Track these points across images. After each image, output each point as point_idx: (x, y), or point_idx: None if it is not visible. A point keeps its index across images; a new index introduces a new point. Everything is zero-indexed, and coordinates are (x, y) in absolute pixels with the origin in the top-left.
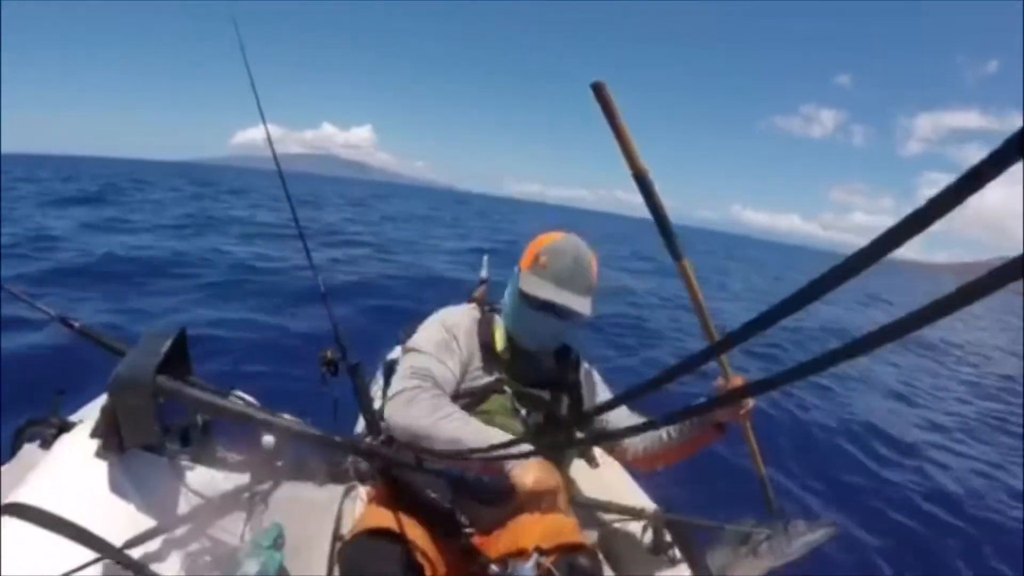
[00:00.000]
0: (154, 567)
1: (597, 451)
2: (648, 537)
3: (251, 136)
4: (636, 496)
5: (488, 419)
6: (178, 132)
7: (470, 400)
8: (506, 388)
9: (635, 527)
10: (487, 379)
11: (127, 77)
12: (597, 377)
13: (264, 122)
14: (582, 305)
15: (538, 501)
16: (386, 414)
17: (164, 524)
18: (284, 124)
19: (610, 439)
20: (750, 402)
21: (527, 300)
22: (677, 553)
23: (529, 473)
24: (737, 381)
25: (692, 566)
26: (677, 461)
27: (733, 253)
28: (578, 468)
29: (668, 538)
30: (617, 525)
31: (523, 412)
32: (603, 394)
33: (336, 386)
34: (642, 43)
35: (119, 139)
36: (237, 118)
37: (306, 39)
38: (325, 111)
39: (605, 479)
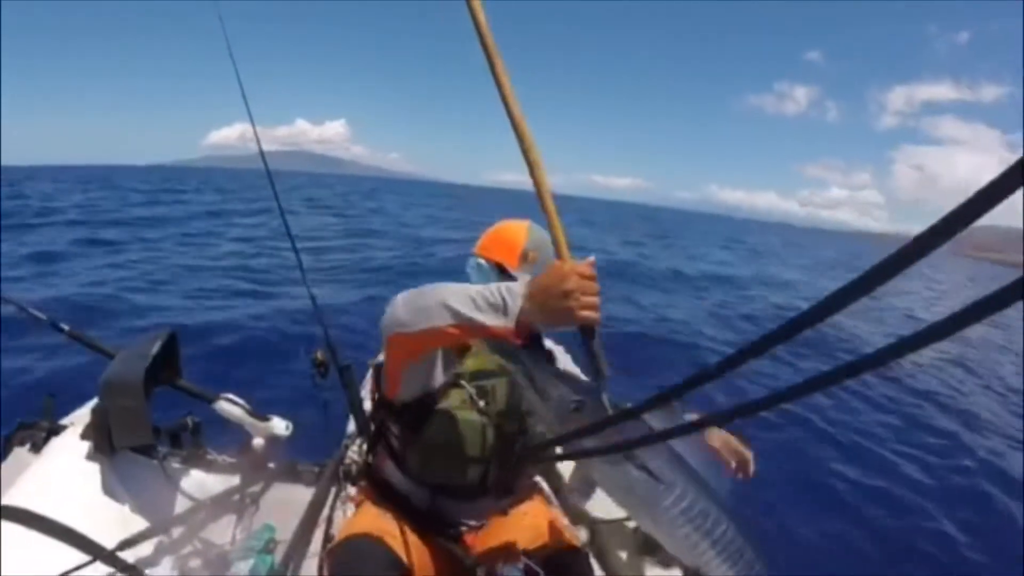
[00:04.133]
0: (146, 570)
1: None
2: (639, 539)
3: (224, 136)
4: None
5: (448, 414)
6: (144, 136)
7: (429, 398)
8: (463, 383)
9: (624, 529)
10: (444, 377)
11: (85, 81)
12: (561, 354)
13: (252, 122)
14: None
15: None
16: (381, 326)
17: (156, 526)
18: (257, 122)
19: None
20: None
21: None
22: (665, 556)
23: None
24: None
25: (682, 567)
26: None
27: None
28: (568, 468)
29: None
30: (608, 524)
31: (482, 403)
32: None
33: (326, 388)
34: (612, 25)
35: (81, 146)
36: (207, 119)
37: (276, 34)
38: (298, 107)
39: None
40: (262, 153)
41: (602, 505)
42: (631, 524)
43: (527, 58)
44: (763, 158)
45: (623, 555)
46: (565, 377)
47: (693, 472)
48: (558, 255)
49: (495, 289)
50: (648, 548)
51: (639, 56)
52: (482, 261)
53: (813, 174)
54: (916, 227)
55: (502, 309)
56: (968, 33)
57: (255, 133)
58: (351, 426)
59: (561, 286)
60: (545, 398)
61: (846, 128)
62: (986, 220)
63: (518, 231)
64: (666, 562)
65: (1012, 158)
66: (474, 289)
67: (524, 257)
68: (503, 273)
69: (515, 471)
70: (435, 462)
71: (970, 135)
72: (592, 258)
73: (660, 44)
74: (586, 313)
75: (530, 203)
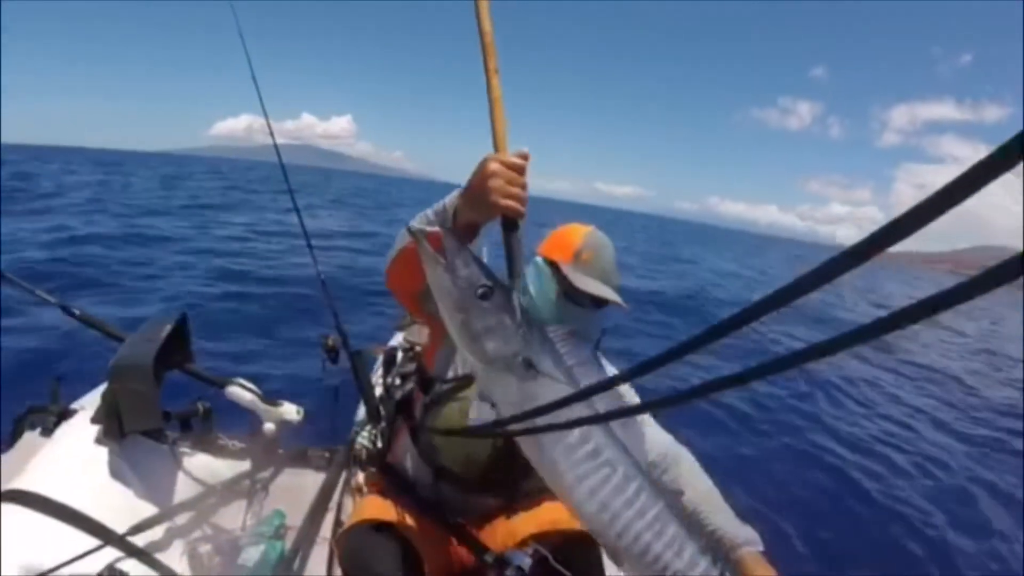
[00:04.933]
0: (156, 555)
1: None
2: None
3: (230, 127)
4: None
5: (463, 404)
6: (151, 123)
7: (455, 384)
8: None
9: None
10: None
11: (94, 67)
12: (605, 363)
13: (268, 119)
14: (621, 300)
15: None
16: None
17: (166, 511)
18: (264, 114)
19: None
20: None
21: (572, 294)
22: None
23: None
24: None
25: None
26: None
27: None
28: None
29: None
30: None
31: None
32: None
33: (337, 373)
34: (619, 33)
35: (83, 130)
36: (214, 110)
37: (283, 28)
38: (304, 101)
39: None
40: (277, 150)
41: None
42: None
43: (534, 63)
44: (765, 172)
45: None
46: (480, 261)
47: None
48: (495, 148)
49: (445, 198)
50: None
51: (645, 63)
52: (539, 259)
53: (814, 189)
54: (915, 245)
55: (443, 213)
56: (971, 55)
57: (270, 130)
58: (361, 412)
59: (483, 171)
60: (453, 273)
61: (848, 145)
62: (979, 241)
63: (577, 233)
64: None
65: (1012, 178)
66: (432, 206)
67: (578, 256)
68: (557, 272)
69: (519, 474)
70: (441, 446)
71: (971, 154)
72: (525, 150)
73: (666, 53)
74: (505, 202)
75: (538, 210)
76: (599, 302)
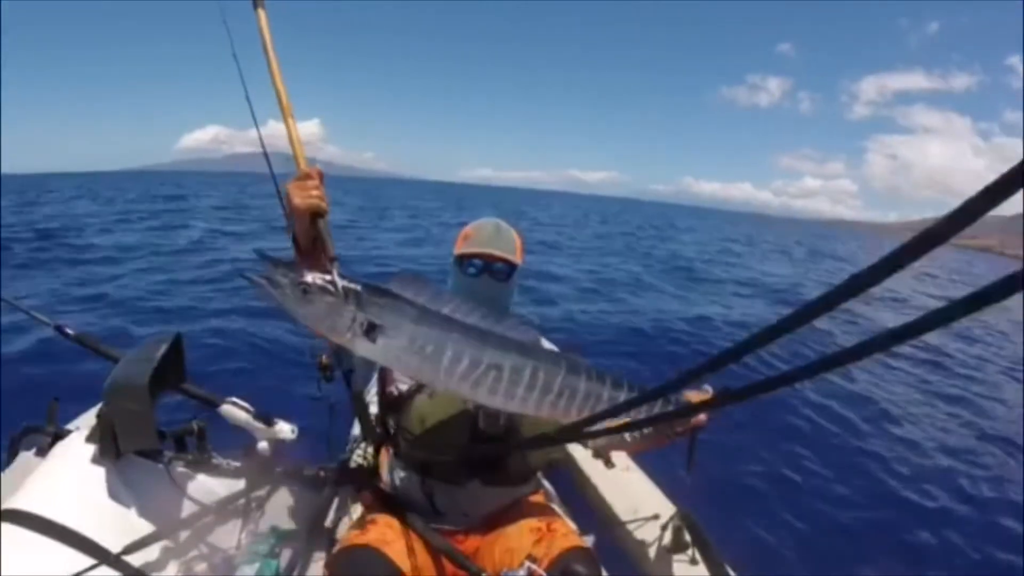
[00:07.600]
0: (151, 574)
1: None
2: (667, 537)
3: (196, 139)
4: (654, 497)
5: (430, 401)
6: (117, 141)
7: (410, 387)
8: None
9: (652, 527)
10: None
11: (51, 89)
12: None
13: (261, 137)
14: (510, 254)
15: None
16: None
17: (161, 530)
18: (230, 125)
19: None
20: (703, 417)
21: (460, 264)
22: (696, 553)
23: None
24: (704, 395)
25: (710, 565)
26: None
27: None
28: (594, 468)
29: (687, 538)
30: (632, 526)
31: None
32: None
33: (331, 391)
34: (585, 19)
35: (47, 153)
36: (179, 123)
37: (249, 34)
38: (270, 107)
39: (621, 480)
40: (270, 166)
41: (625, 505)
42: (657, 525)
43: (493, 55)
44: (737, 150)
45: (648, 556)
46: (293, 265)
47: (472, 331)
48: (297, 167)
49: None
50: (676, 548)
51: (613, 50)
52: (452, 259)
53: (787, 164)
54: (891, 214)
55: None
56: (938, 24)
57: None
58: (356, 429)
59: (286, 194)
60: (278, 288)
61: (819, 119)
62: (945, 208)
63: (470, 226)
64: (695, 562)
65: (983, 145)
66: None
67: (466, 238)
68: (459, 260)
69: (502, 452)
70: (420, 437)
71: (942, 123)
72: (317, 167)
73: (633, 38)
74: (301, 202)
75: (507, 197)
76: (494, 272)
